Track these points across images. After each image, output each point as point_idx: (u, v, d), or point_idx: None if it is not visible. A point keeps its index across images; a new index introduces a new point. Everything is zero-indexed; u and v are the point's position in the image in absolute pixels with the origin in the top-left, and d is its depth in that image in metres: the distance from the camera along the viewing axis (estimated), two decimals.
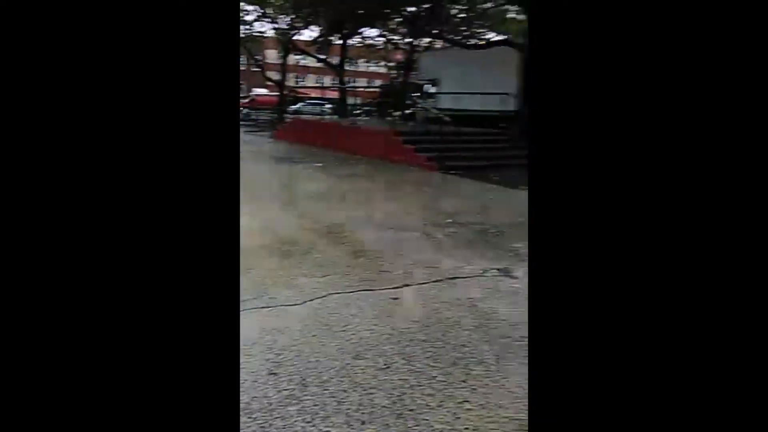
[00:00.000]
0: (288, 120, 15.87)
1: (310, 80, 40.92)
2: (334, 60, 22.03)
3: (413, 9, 17.34)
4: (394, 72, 30.22)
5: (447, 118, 9.35)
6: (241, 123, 20.45)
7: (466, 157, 9.51)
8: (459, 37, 19.20)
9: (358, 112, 20.34)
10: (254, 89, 31.46)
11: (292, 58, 28.15)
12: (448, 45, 23.84)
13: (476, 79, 15.11)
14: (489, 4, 19.83)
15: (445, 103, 12.42)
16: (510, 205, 5.90)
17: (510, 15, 22.78)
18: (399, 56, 29.46)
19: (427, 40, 25.05)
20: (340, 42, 20.54)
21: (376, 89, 25.49)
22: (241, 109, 23.89)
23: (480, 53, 14.98)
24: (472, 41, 19.32)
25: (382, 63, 28.58)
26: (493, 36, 21.63)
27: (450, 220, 5.03)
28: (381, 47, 25.49)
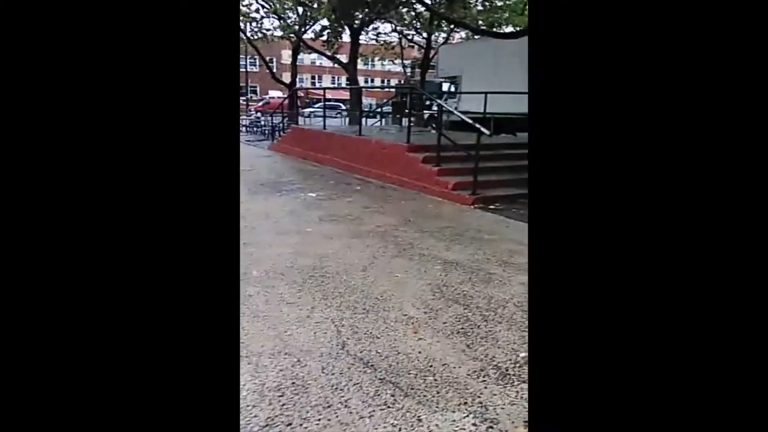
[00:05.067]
0: (288, 130, 12.86)
1: (327, 81, 37.86)
2: (344, 58, 18.97)
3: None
4: (410, 70, 27.02)
5: (487, 131, 6.33)
6: (246, 131, 17.74)
7: (502, 182, 6.51)
8: (481, 27, 15.91)
9: (371, 114, 17.36)
10: (270, 92, 28.60)
11: (308, 58, 25.16)
12: (469, 37, 20.54)
13: (506, 75, 11.91)
14: None
15: (468, 104, 9.30)
16: None
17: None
18: (415, 53, 26.27)
19: (444, 35, 21.87)
20: (350, 38, 17.48)
21: (392, 89, 22.42)
22: (255, 113, 21.09)
23: (509, 44, 11.77)
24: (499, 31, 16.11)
25: (398, 61, 25.45)
26: (512, 29, 18.33)
27: None
28: (395, 43, 22.39)
